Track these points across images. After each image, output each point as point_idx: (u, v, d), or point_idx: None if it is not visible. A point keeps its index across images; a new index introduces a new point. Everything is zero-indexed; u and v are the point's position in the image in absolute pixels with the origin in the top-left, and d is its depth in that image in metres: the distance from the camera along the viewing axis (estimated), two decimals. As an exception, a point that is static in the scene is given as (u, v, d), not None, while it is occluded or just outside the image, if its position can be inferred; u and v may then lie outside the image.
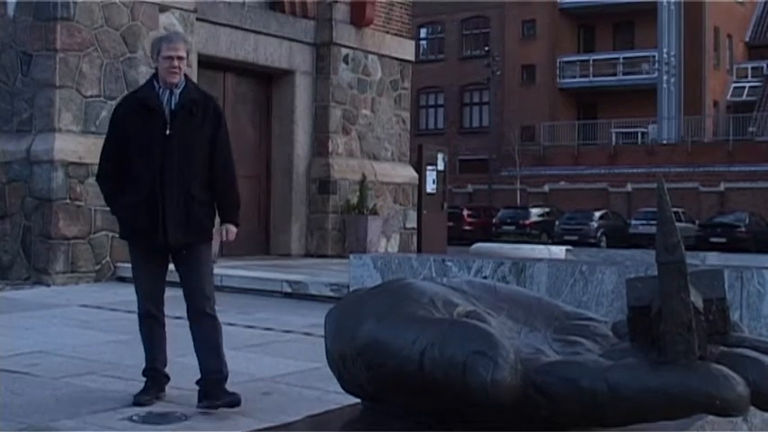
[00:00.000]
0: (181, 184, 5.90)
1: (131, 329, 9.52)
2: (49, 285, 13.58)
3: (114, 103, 14.70)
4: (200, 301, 6.08)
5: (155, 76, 6.09)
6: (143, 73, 15.23)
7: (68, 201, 14.03)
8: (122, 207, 6.09)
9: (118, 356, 7.86)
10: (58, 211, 13.92)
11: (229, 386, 5.96)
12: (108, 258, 14.52)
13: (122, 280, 14.37)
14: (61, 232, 13.92)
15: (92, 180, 14.25)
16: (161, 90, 5.98)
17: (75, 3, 14.23)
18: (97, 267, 14.37)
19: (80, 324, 9.91)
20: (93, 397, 6.28)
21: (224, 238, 6.27)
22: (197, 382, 6.02)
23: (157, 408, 6.02)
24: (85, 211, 14.23)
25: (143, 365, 6.28)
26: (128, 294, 12.64)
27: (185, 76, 6.07)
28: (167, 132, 5.87)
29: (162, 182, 5.86)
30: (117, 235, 14.53)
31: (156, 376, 6.23)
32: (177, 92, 5.98)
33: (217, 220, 6.24)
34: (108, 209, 6.50)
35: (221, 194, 6.10)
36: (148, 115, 5.93)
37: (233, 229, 6.24)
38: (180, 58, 5.96)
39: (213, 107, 6.15)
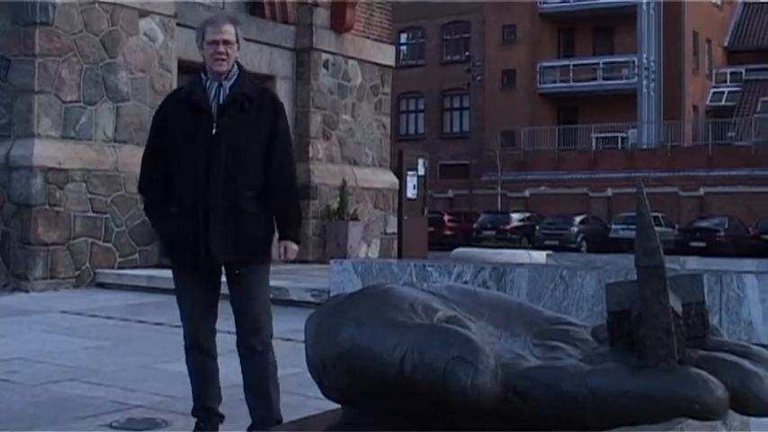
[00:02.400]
0: (228, 191, 5.01)
1: (111, 335, 9.52)
2: (28, 291, 13.52)
3: (93, 108, 14.75)
4: (249, 337, 5.18)
5: (202, 68, 5.27)
6: (123, 78, 15.21)
7: (48, 206, 13.98)
8: (161, 219, 5.25)
9: (98, 363, 7.83)
10: (38, 217, 13.86)
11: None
12: (88, 264, 14.47)
13: (102, 286, 14.35)
14: (40, 238, 13.87)
15: (71, 185, 14.22)
16: (209, 83, 5.17)
17: (54, 7, 14.18)
18: (77, 273, 14.32)
19: (60, 330, 9.87)
20: (73, 404, 6.25)
21: (282, 257, 5.30)
22: (248, 429, 5.28)
23: (138, 413, 6.00)
24: (65, 216, 14.18)
25: (191, 404, 5.46)
26: (107, 300, 12.65)
27: (239, 66, 5.21)
28: (213, 131, 5.04)
29: (206, 189, 5.00)
30: (97, 240, 14.64)
31: (207, 416, 5.33)
32: (227, 84, 5.12)
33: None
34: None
35: (280, 205, 5.18)
36: (192, 112, 5.11)
37: (293, 247, 5.27)
38: (227, 42, 5.07)
39: (271, 102, 5.24)
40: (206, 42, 5.11)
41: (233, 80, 5.13)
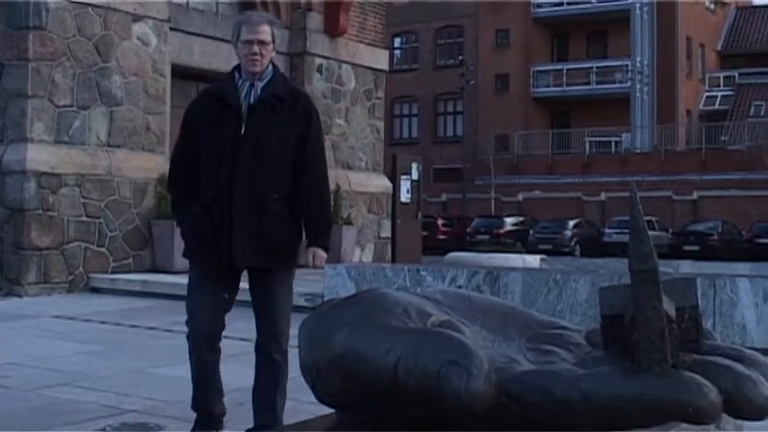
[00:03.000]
0: (254, 193, 4.86)
1: (104, 340, 9.50)
2: (21, 296, 13.50)
3: (86, 113, 14.74)
4: (268, 343, 5.05)
5: (237, 66, 5.07)
6: (116, 83, 15.20)
7: (41, 211, 13.95)
8: (185, 219, 5.11)
9: (91, 367, 7.81)
10: (31, 222, 13.83)
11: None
12: (81, 269, 14.45)
13: (95, 291, 14.32)
14: (34, 243, 13.84)
15: (65, 190, 14.21)
16: (241, 82, 4.99)
17: (47, 12, 14.17)
18: (70, 278, 14.29)
19: (53, 335, 9.85)
20: (66, 408, 6.23)
21: (310, 265, 5.10)
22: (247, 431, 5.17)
23: (131, 418, 5.98)
24: (58, 221, 14.16)
25: (189, 402, 5.33)
26: (101, 305, 12.63)
27: (274, 67, 5.06)
28: (241, 131, 4.88)
29: (230, 190, 4.86)
30: (90, 245, 14.62)
31: (205, 418, 5.19)
32: (260, 85, 4.96)
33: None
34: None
35: (309, 211, 5.02)
36: (222, 111, 4.95)
37: (322, 254, 5.09)
38: (262, 42, 4.91)
39: (303, 105, 5.05)
40: (241, 42, 4.96)
41: (266, 80, 4.98)
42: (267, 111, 4.92)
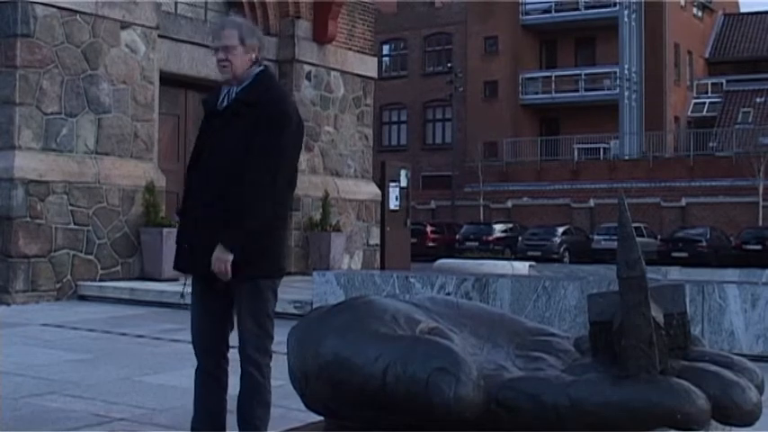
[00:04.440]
0: (207, 198, 4.66)
1: (93, 348, 9.48)
2: (8, 304, 13.45)
3: (74, 120, 14.71)
4: (242, 357, 4.75)
5: None
6: (104, 90, 15.18)
7: (29, 219, 13.92)
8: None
9: (79, 375, 7.79)
10: (18, 230, 13.80)
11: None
12: (69, 277, 14.41)
13: (84, 298, 14.29)
14: (21, 250, 13.80)
15: (52, 198, 14.18)
16: (225, 89, 4.88)
17: (35, 19, 14.15)
18: (58, 286, 14.26)
19: (41, 343, 9.82)
20: (54, 417, 6.22)
21: (213, 267, 4.59)
22: None
23: (120, 426, 5.97)
24: (46, 229, 14.13)
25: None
26: (89, 313, 12.60)
27: (264, 70, 4.87)
28: (212, 137, 4.78)
29: (193, 196, 4.76)
30: (78, 253, 14.59)
31: None
32: (235, 89, 4.81)
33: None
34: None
35: (231, 200, 4.60)
36: (204, 119, 4.94)
37: (223, 256, 4.56)
38: (226, 48, 4.75)
39: (269, 106, 4.72)
40: (212, 49, 4.92)
41: (243, 85, 4.79)
42: (230, 115, 4.74)
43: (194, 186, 4.78)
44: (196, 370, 4.84)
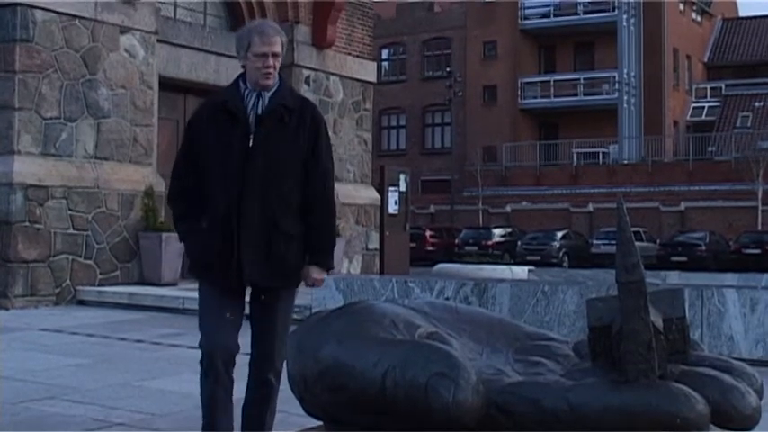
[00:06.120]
0: (263, 209, 4.57)
1: (92, 353, 9.47)
2: (7, 309, 13.44)
3: (73, 125, 14.71)
4: (264, 363, 4.64)
5: (241, 76, 4.77)
6: (103, 95, 15.18)
7: (28, 223, 13.91)
8: (190, 234, 4.76)
9: (78, 380, 7.78)
10: (17, 234, 13.79)
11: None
12: (68, 281, 14.40)
13: (83, 303, 14.28)
14: (20, 255, 13.80)
15: (51, 202, 14.17)
16: (247, 92, 4.69)
17: (34, 24, 14.15)
18: (57, 291, 14.25)
19: (40, 348, 9.81)
20: (53, 421, 6.21)
21: (308, 285, 4.73)
22: None
23: (119, 431, 5.97)
24: (45, 233, 14.12)
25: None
26: (88, 318, 12.59)
27: (280, 76, 4.77)
28: (250, 143, 4.59)
29: (239, 206, 4.56)
30: (77, 258, 14.58)
31: None
32: (267, 95, 4.66)
33: None
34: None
35: (315, 226, 4.68)
36: (229, 122, 4.64)
37: (322, 275, 4.72)
38: (276, 55, 4.62)
39: (312, 114, 4.80)
40: (252, 54, 4.61)
41: (273, 90, 4.68)
42: (276, 122, 4.64)
43: (250, 195, 4.58)
44: (208, 382, 4.60)
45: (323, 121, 4.86)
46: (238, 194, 4.55)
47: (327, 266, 4.72)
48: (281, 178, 4.61)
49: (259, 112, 4.63)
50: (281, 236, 4.58)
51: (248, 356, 4.76)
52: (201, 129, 4.74)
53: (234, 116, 4.63)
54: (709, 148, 50.20)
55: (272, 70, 4.61)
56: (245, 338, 4.68)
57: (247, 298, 4.76)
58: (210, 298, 4.68)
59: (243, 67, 4.73)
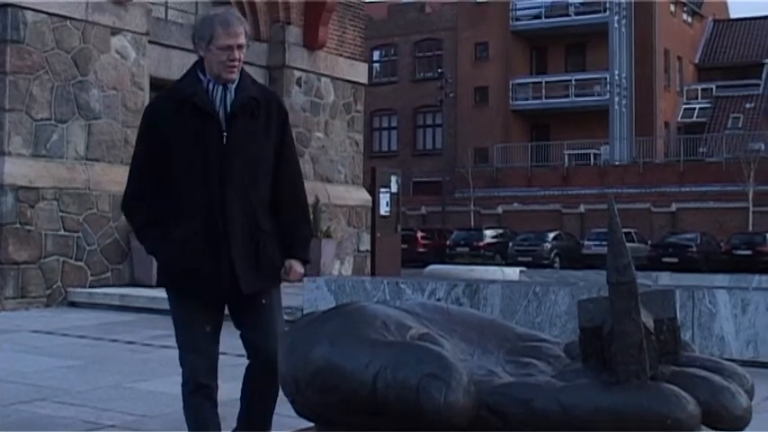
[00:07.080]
0: (245, 211, 4.34)
1: (83, 355, 9.45)
2: (-1, 311, 13.43)
3: (64, 126, 14.68)
4: (267, 368, 4.32)
5: (198, 66, 4.41)
6: (94, 96, 15.16)
7: (18, 225, 13.89)
8: (162, 244, 4.38)
9: (69, 382, 7.77)
10: (8, 236, 13.77)
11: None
12: (59, 283, 14.38)
13: (74, 305, 14.26)
14: (11, 257, 13.78)
15: (42, 204, 14.14)
16: (211, 85, 4.35)
17: (25, 25, 14.13)
18: (48, 292, 14.23)
19: (31, 350, 9.79)
20: (43, 423, 6.20)
21: (291, 280, 4.57)
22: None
23: (109, 434, 5.96)
24: (36, 235, 14.10)
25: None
26: (79, 319, 12.57)
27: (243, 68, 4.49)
28: (224, 141, 4.30)
29: (223, 209, 4.29)
30: (68, 259, 14.56)
31: None
32: (232, 87, 4.35)
33: None
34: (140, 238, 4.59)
35: (291, 221, 4.51)
36: (199, 119, 4.30)
37: (300, 268, 4.54)
38: (240, 47, 4.29)
39: (277, 105, 4.53)
40: (216, 46, 4.28)
41: (239, 83, 4.39)
42: (248, 117, 4.36)
43: (232, 196, 4.34)
44: (190, 392, 4.41)
45: (287, 113, 4.65)
46: (220, 196, 4.30)
47: (307, 259, 4.58)
48: (258, 177, 4.41)
49: (227, 106, 4.35)
50: (264, 235, 4.40)
51: (237, 358, 4.74)
52: (164, 127, 4.35)
53: (203, 112, 4.31)
54: (701, 150, 50.32)
55: (236, 63, 4.31)
56: (227, 339, 4.63)
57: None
58: (190, 312, 4.41)
59: (200, 57, 4.40)
